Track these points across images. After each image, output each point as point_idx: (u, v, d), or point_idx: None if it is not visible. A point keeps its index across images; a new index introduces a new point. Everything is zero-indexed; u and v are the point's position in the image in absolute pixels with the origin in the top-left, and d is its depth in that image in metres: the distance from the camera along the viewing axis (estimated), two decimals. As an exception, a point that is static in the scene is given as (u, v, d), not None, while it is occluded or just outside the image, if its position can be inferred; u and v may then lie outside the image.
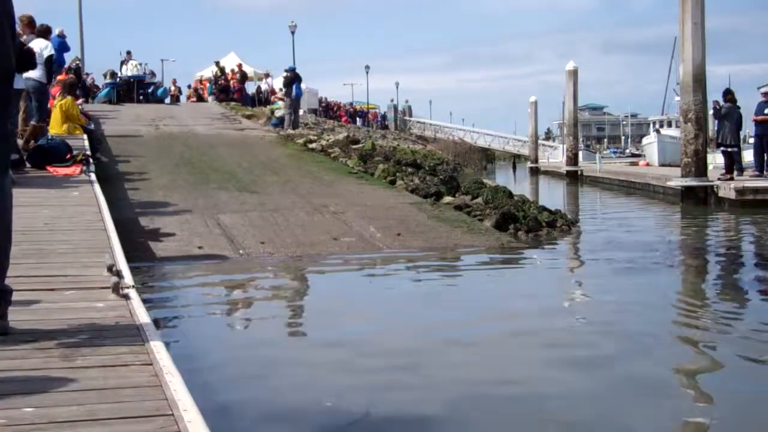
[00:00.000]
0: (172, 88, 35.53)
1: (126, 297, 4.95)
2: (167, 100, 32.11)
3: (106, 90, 29.15)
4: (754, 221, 14.83)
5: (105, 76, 31.00)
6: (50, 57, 13.63)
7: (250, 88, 37.24)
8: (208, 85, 36.44)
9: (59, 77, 20.10)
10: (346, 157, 19.07)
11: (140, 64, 31.34)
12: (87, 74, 33.49)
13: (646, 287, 8.62)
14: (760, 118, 18.78)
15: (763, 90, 19.55)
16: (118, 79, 29.84)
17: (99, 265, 5.62)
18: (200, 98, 35.42)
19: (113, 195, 11.66)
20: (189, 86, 38.33)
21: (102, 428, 2.99)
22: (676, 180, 18.80)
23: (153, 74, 35.67)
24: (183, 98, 35.80)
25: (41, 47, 13.21)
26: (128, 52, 31.99)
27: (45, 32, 13.98)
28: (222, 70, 34.98)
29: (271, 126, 24.97)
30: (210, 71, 36.79)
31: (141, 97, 29.87)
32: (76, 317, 4.51)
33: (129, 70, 29.99)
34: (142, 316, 4.54)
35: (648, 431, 4.53)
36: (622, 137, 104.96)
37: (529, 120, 49.16)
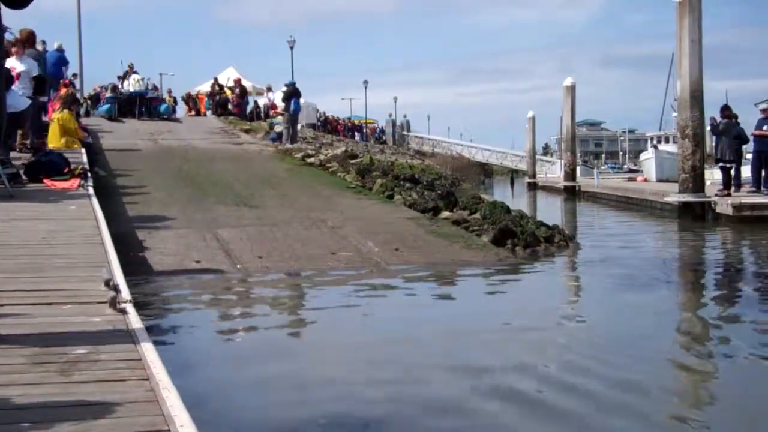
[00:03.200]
0: (167, 97, 35.35)
1: (123, 312, 4.95)
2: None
3: (107, 106, 28.59)
4: (752, 237, 14.85)
5: (106, 89, 30.64)
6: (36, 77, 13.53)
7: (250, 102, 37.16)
8: (206, 99, 36.38)
9: (61, 92, 20.14)
10: (344, 171, 19.10)
11: (143, 79, 30.79)
12: (101, 87, 33.14)
13: (642, 304, 8.62)
14: (758, 132, 18.83)
15: (761, 107, 19.62)
16: (119, 94, 29.38)
17: (96, 280, 5.61)
18: (198, 113, 35.37)
19: (111, 209, 11.65)
20: (182, 98, 37.76)
21: (98, 444, 2.99)
22: (674, 196, 18.83)
23: (156, 89, 35.23)
24: (179, 109, 35.58)
25: (30, 67, 13.26)
26: (130, 66, 31.61)
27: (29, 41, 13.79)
28: (221, 87, 34.95)
29: (270, 140, 24.99)
30: (209, 86, 36.71)
31: (143, 112, 29.21)
32: (73, 332, 4.51)
33: (131, 85, 29.32)
34: (139, 330, 4.53)
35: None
36: (620, 153, 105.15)
37: (527, 135, 49.24)
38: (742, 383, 5.71)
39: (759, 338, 6.95)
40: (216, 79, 35.99)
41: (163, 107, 29.91)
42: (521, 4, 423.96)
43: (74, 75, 32.43)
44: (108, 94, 29.86)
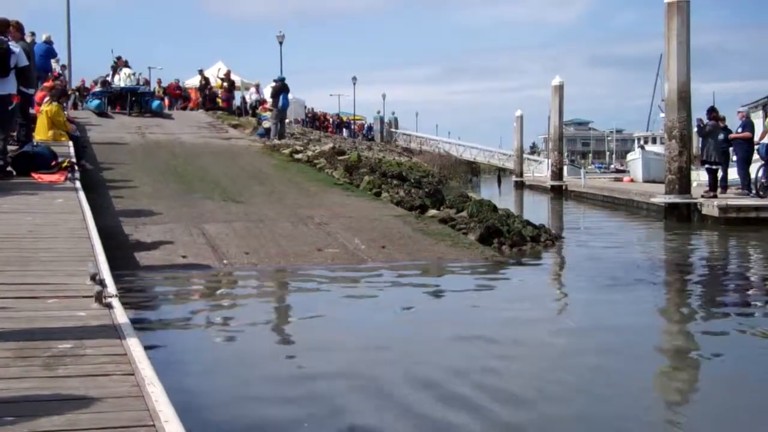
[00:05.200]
0: (156, 88, 34.93)
1: (109, 306, 4.94)
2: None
3: (97, 101, 27.36)
4: (737, 239, 14.94)
5: (96, 83, 29.99)
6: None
7: (237, 97, 37.00)
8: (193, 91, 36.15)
9: (45, 84, 20.01)
10: (331, 168, 19.10)
11: (134, 74, 29.90)
12: (94, 82, 32.49)
13: (627, 304, 8.65)
14: (733, 135, 19.14)
15: (740, 110, 19.98)
16: (110, 89, 28.46)
17: (82, 274, 5.60)
18: (185, 107, 35.13)
19: (98, 203, 11.63)
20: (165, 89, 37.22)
21: (83, 438, 2.99)
22: (660, 197, 18.92)
23: (147, 83, 34.57)
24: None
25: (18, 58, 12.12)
26: (119, 58, 31.00)
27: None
28: (207, 80, 34.75)
29: (258, 136, 24.94)
30: (197, 81, 36.50)
31: (133, 107, 27.75)
32: (59, 326, 4.50)
33: (122, 80, 28.31)
34: (125, 325, 4.53)
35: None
36: (607, 153, 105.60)
37: (515, 134, 49.32)
38: (721, 384, 5.75)
39: (741, 340, 7.00)
40: (201, 71, 35.71)
41: (155, 103, 28.65)
42: (511, 2, 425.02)
43: (63, 67, 32.14)
44: (97, 88, 29.13)
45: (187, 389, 5.03)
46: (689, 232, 16.34)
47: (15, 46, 12.00)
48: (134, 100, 27.88)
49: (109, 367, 3.81)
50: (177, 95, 35.31)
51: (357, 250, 10.93)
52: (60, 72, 26.46)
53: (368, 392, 5.32)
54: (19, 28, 13.12)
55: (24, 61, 12.06)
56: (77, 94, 30.79)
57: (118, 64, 29.97)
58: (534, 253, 12.33)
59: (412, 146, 59.16)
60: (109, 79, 29.41)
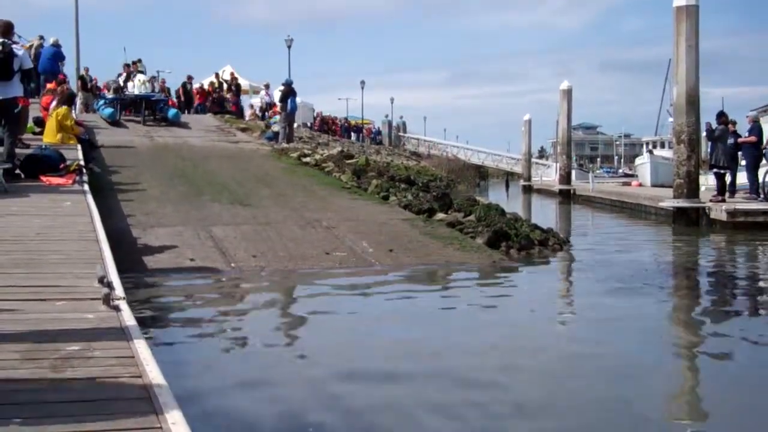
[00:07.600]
0: (157, 86, 34.50)
1: (116, 309, 4.95)
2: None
3: (110, 110, 25.58)
4: (745, 243, 14.89)
5: (108, 89, 29.12)
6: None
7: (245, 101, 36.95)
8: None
9: (49, 86, 20.04)
10: (339, 171, 19.08)
11: (148, 80, 28.35)
12: (106, 87, 31.62)
13: (634, 308, 8.62)
14: (741, 140, 19.16)
15: (749, 115, 20.03)
16: (123, 96, 26.44)
17: (90, 276, 5.62)
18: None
19: (106, 205, 11.64)
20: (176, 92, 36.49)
21: (90, 440, 2.99)
22: (668, 201, 18.87)
23: (163, 90, 33.44)
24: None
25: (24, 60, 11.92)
26: (133, 62, 30.13)
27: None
28: (221, 84, 34.78)
29: (266, 139, 24.93)
30: (208, 83, 36.45)
31: (148, 115, 26.09)
32: (67, 328, 4.51)
33: (136, 87, 26.51)
34: (132, 328, 4.54)
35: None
36: (615, 157, 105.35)
37: (523, 138, 49.23)
38: (729, 390, 5.73)
39: (750, 346, 6.97)
40: (218, 75, 35.70)
41: (171, 112, 26.87)
42: (519, 8, 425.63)
43: (86, 69, 31.87)
44: (110, 95, 27.90)
45: (194, 392, 5.03)
46: (697, 236, 16.30)
47: (19, 49, 12.00)
48: (149, 109, 26.40)
49: (116, 369, 3.81)
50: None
51: (365, 254, 10.93)
52: (83, 74, 26.26)
53: (378, 396, 5.31)
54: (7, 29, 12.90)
55: (28, 64, 12.04)
56: (91, 93, 30.34)
57: (132, 69, 29.23)
58: (542, 257, 12.31)
59: (420, 150, 59.12)
60: (121, 81, 28.45)
